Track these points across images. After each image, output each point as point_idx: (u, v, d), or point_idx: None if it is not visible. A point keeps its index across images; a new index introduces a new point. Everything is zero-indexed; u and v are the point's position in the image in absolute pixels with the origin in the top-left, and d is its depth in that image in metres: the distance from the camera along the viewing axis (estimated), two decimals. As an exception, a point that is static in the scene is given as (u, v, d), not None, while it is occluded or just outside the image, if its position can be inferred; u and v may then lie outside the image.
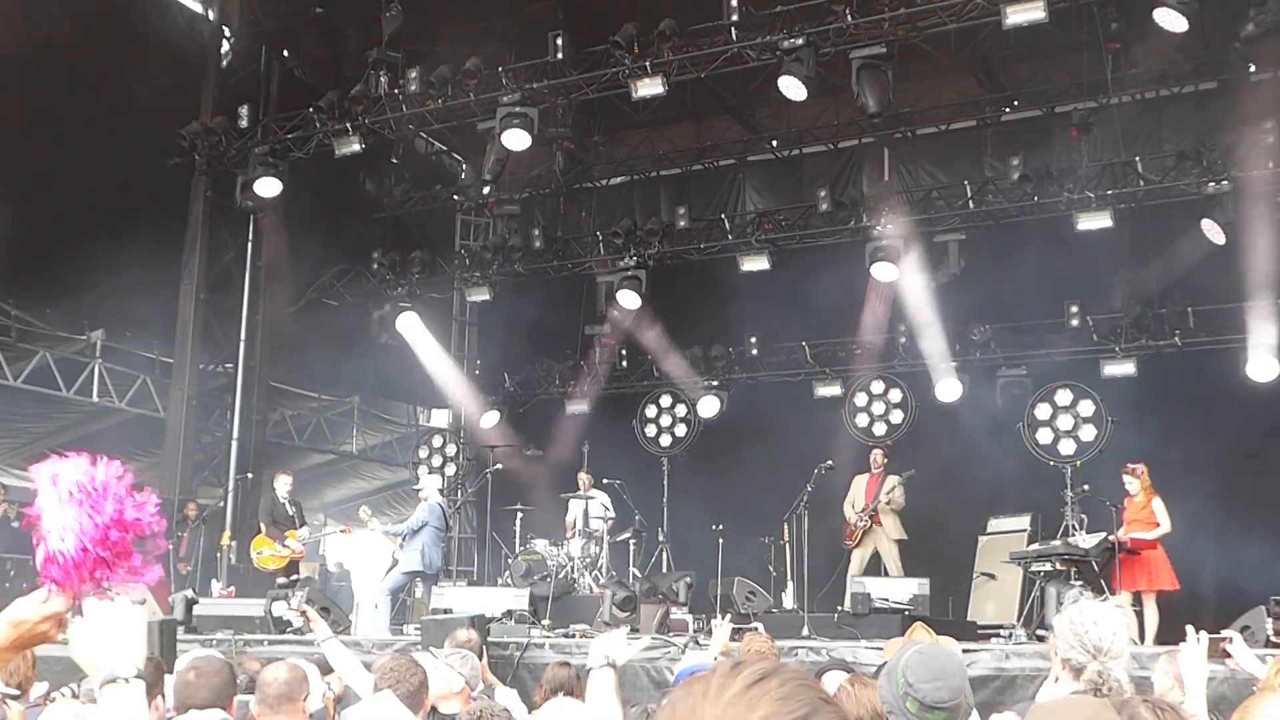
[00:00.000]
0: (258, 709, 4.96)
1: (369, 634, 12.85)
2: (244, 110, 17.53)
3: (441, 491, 15.73)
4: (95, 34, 16.38)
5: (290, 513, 14.74)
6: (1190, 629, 4.71)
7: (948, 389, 17.20)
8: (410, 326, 18.96)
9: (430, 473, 18.40)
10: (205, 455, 18.58)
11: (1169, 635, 11.33)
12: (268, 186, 16.95)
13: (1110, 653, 3.87)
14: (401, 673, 5.16)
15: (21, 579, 16.10)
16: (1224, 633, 5.26)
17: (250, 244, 18.81)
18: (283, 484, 14.98)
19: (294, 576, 14.37)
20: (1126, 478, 12.31)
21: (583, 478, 15.26)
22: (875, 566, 14.56)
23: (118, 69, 16.18)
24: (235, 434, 18.44)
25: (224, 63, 18.85)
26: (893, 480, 14.49)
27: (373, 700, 5.14)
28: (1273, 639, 6.77)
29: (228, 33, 18.92)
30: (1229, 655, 5.20)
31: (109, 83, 16.11)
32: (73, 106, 16.05)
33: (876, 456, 14.89)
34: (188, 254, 17.91)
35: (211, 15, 18.78)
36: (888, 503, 14.40)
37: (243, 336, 18.71)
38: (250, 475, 18.00)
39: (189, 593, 12.72)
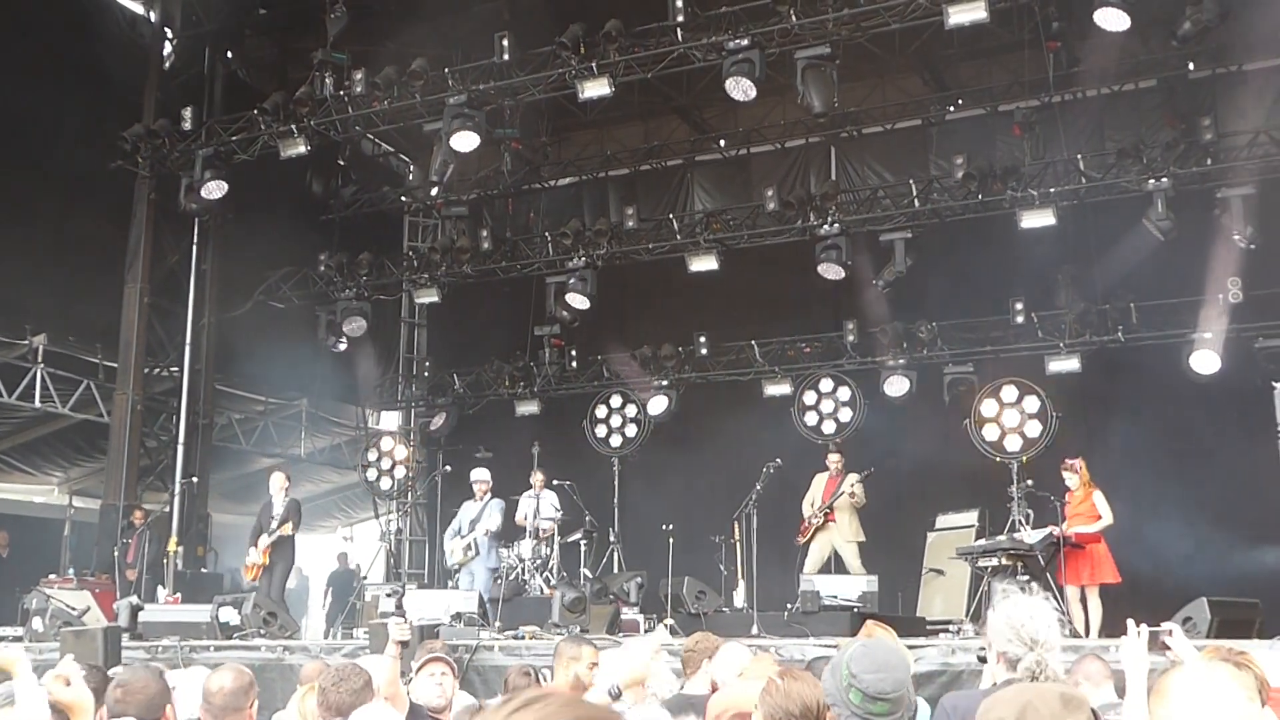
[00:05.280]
0: (204, 717, 4.91)
1: (316, 639, 12.77)
2: (187, 112, 17.37)
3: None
4: (33, 36, 16.17)
5: (273, 514, 14.21)
6: (1131, 622, 4.77)
7: (895, 386, 17.34)
8: (357, 329, 18.87)
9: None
10: (151, 460, 18.38)
11: (1113, 628, 11.47)
12: (212, 189, 16.80)
13: (1046, 644, 3.93)
14: (345, 674, 5.13)
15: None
16: (1164, 625, 5.31)
17: (195, 247, 18.67)
18: (272, 483, 14.51)
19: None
20: (1065, 474, 12.43)
21: (536, 476, 15.15)
22: (832, 568, 14.59)
23: (57, 70, 15.97)
24: (181, 438, 18.28)
25: (166, 64, 18.66)
26: (854, 477, 14.54)
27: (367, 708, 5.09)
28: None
29: (170, 34, 18.74)
30: (1169, 648, 5.27)
31: (49, 84, 15.91)
32: (11, 109, 15.84)
33: (834, 461, 14.90)
34: (131, 257, 17.69)
35: (153, 17, 18.58)
36: (851, 496, 14.40)
37: (188, 340, 18.55)
38: (196, 480, 17.82)
39: (134, 599, 12.60)
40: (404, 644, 6.09)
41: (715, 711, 4.96)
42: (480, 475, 13.95)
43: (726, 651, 6.16)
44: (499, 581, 13.94)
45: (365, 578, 17.10)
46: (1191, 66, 16.43)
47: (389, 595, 9.17)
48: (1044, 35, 15.82)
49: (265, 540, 13.98)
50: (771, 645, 10.24)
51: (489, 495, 13.79)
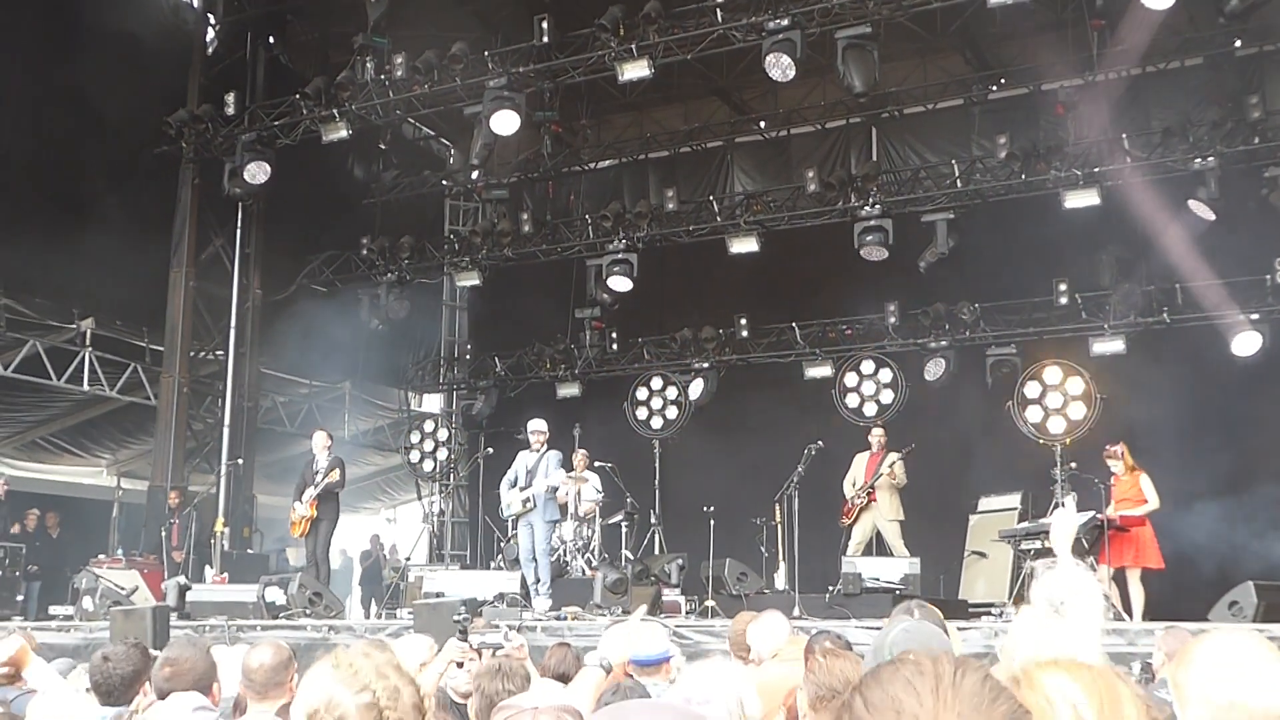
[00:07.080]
0: (245, 694, 4.97)
1: (360, 619, 12.88)
2: (230, 98, 17.52)
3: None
4: (77, 23, 16.31)
5: (317, 468, 14.00)
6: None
7: (932, 369, 17.28)
8: (400, 311, 19.00)
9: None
10: (197, 442, 18.58)
11: (1156, 610, 11.40)
12: (256, 173, 16.93)
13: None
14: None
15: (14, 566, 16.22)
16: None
17: (239, 231, 18.79)
18: (314, 441, 14.38)
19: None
20: (1109, 460, 12.31)
21: (579, 457, 15.09)
22: (873, 547, 14.56)
23: (101, 56, 16.11)
24: (226, 421, 18.44)
25: (209, 50, 18.78)
26: (893, 456, 14.46)
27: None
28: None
29: (212, 20, 18.84)
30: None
31: (94, 70, 16.04)
32: (59, 95, 16.01)
33: (877, 436, 14.83)
34: (176, 242, 17.88)
35: (196, 3, 18.70)
36: (890, 478, 14.32)
37: (233, 323, 18.69)
38: (241, 461, 18.00)
39: (181, 579, 12.77)
40: (459, 665, 6.13)
41: (765, 693, 4.95)
42: (537, 425, 13.68)
43: (767, 622, 6.14)
44: (561, 544, 13.89)
45: (409, 559, 17.23)
46: (1238, 43, 16.20)
47: (456, 619, 9.18)
48: (1087, 13, 15.69)
49: (311, 492, 13.74)
50: (813, 627, 10.26)
51: (545, 446, 13.56)
